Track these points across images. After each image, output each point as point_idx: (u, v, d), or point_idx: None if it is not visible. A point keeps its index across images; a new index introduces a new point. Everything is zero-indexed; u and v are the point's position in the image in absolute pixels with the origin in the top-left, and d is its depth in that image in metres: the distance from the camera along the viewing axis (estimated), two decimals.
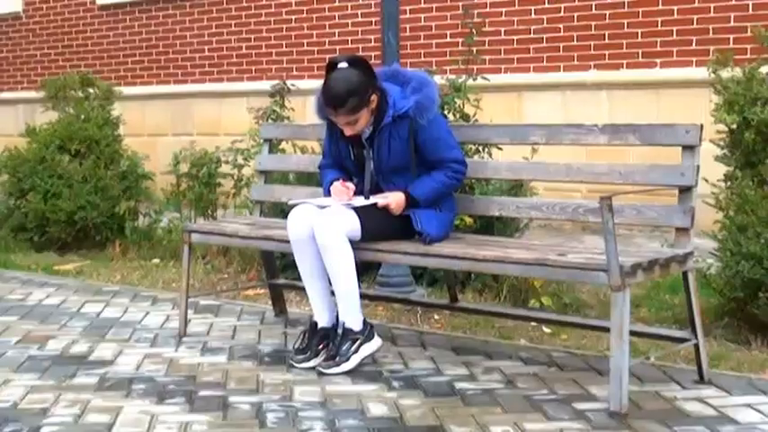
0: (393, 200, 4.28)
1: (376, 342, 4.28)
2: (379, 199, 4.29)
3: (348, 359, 4.17)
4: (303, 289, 5.43)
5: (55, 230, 7.49)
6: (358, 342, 4.20)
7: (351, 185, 4.39)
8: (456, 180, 4.36)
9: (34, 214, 7.48)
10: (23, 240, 7.72)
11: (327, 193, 4.46)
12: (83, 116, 7.72)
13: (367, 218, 4.22)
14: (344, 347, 4.19)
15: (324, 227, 4.17)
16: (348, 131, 4.29)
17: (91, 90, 7.93)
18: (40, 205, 7.42)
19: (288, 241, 4.36)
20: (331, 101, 4.21)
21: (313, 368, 4.20)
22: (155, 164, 8.22)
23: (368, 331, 4.26)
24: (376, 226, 4.24)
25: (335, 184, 4.41)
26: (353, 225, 4.19)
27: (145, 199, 7.72)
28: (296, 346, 4.36)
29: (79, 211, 7.35)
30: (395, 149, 4.30)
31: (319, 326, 4.35)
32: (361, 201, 4.29)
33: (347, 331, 4.21)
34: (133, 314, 5.45)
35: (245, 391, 3.96)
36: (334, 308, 4.34)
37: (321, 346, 4.28)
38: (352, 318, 4.23)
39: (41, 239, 7.65)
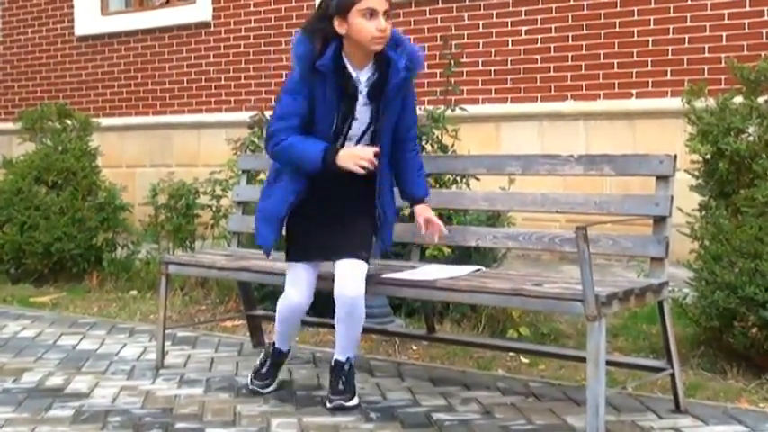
0: (426, 218, 4.21)
1: None
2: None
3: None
4: None
5: (31, 262, 7.45)
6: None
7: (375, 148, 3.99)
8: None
9: (10, 246, 7.44)
10: None
11: (317, 161, 3.93)
12: (60, 147, 7.70)
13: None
14: (354, 379, 4.16)
15: (359, 277, 3.99)
16: (383, 28, 3.88)
17: (68, 121, 7.91)
18: (16, 237, 7.38)
19: (264, 272, 4.36)
20: None
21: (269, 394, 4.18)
22: (133, 195, 8.22)
23: None
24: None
25: (365, 149, 3.96)
26: None
27: (122, 230, 7.69)
28: (260, 371, 4.40)
29: (56, 242, 7.32)
30: (391, 107, 4.02)
31: (284, 350, 4.41)
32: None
33: (350, 364, 4.14)
34: (110, 346, 5.42)
35: (221, 423, 3.94)
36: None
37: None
38: (355, 351, 4.22)
39: (17, 271, 7.61)
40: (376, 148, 3.95)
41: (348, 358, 4.11)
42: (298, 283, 4.13)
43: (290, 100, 3.97)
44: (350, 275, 3.96)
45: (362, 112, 3.99)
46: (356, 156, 3.92)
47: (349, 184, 4.00)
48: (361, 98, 3.97)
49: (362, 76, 3.97)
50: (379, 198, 4.10)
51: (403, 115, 4.09)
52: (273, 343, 4.42)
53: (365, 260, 4.02)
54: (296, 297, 4.15)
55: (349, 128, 4.00)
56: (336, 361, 4.12)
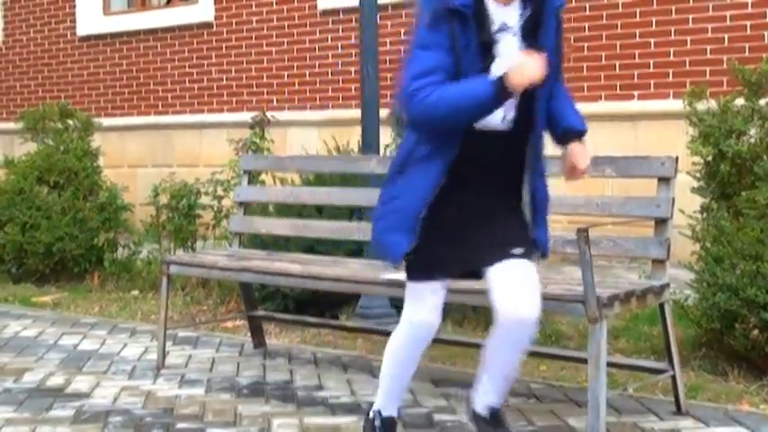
0: (581, 154, 3.26)
1: None
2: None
3: None
4: (282, 321, 5.46)
5: (33, 262, 7.45)
6: None
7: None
8: None
9: (12, 246, 7.45)
10: (1, 272, 7.68)
11: (487, 93, 2.98)
12: (62, 147, 7.71)
13: None
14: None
15: (535, 288, 3.12)
16: None
17: (70, 121, 7.92)
18: (17, 237, 7.39)
19: (266, 273, 4.35)
20: None
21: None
22: (134, 195, 8.22)
23: None
24: None
25: (527, 57, 3.00)
26: None
27: (124, 231, 7.70)
28: None
29: (57, 242, 7.32)
30: (548, 45, 3.15)
31: (395, 415, 3.52)
32: None
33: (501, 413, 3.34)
34: (111, 346, 5.42)
35: (222, 424, 3.94)
36: None
37: None
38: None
39: (19, 271, 7.62)
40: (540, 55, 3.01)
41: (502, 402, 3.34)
42: (425, 306, 3.29)
43: (425, 54, 3.08)
44: (524, 287, 3.09)
45: None
46: (524, 67, 2.98)
47: (494, 165, 3.18)
48: (517, 41, 3.12)
49: (510, 15, 3.11)
50: (531, 174, 3.26)
51: (557, 55, 3.20)
52: (376, 414, 3.48)
53: (534, 260, 3.20)
54: (424, 322, 3.31)
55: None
56: (492, 410, 3.31)
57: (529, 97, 3.10)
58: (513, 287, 3.06)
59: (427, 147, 3.14)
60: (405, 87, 3.09)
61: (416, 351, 3.38)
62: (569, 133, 3.30)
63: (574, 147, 3.28)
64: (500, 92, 2.96)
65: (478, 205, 3.18)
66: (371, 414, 3.48)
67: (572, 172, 3.31)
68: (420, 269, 3.25)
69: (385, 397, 3.45)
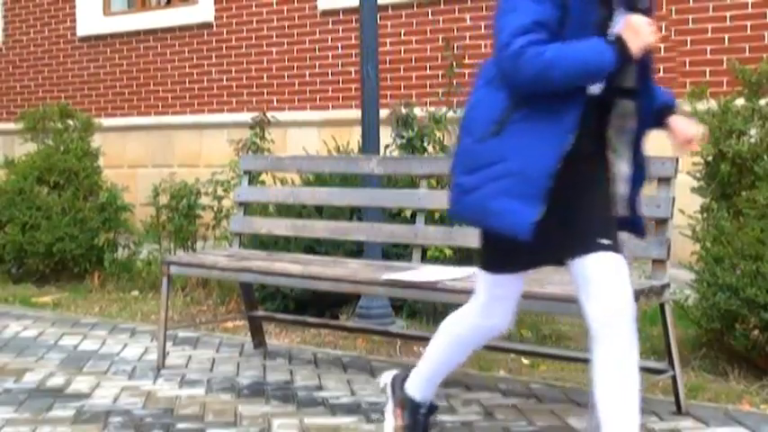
0: (687, 123, 3.13)
1: None
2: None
3: None
4: (282, 321, 5.46)
5: (33, 262, 7.46)
6: None
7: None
8: None
9: (12, 246, 7.45)
10: (1, 272, 7.68)
11: (607, 58, 2.79)
12: (62, 148, 7.71)
13: None
14: None
15: (627, 281, 2.87)
16: None
17: (70, 121, 7.92)
18: (18, 237, 7.39)
19: (266, 273, 4.34)
20: None
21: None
22: (134, 195, 8.22)
23: None
24: None
25: (635, 18, 2.81)
26: None
27: (124, 231, 7.70)
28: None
29: (57, 242, 7.32)
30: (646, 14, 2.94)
31: (427, 401, 3.48)
32: None
33: None
34: (111, 346, 5.42)
35: (222, 424, 3.94)
36: None
37: None
38: None
39: (19, 271, 7.62)
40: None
41: None
42: (501, 300, 3.17)
43: (526, 5, 2.80)
44: (617, 278, 2.85)
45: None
46: (639, 29, 2.81)
47: (590, 130, 2.94)
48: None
49: None
50: (634, 145, 3.05)
51: None
52: (424, 405, 3.46)
53: (623, 251, 2.94)
54: (494, 320, 3.21)
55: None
56: None
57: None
58: (601, 287, 2.82)
59: (534, 105, 2.85)
60: (505, 44, 2.82)
61: (462, 349, 3.36)
62: (665, 110, 3.13)
63: (677, 120, 3.13)
64: (621, 58, 2.78)
65: (583, 173, 2.94)
66: (417, 402, 3.42)
67: (687, 142, 3.12)
68: (504, 258, 3.02)
69: (431, 388, 3.44)
